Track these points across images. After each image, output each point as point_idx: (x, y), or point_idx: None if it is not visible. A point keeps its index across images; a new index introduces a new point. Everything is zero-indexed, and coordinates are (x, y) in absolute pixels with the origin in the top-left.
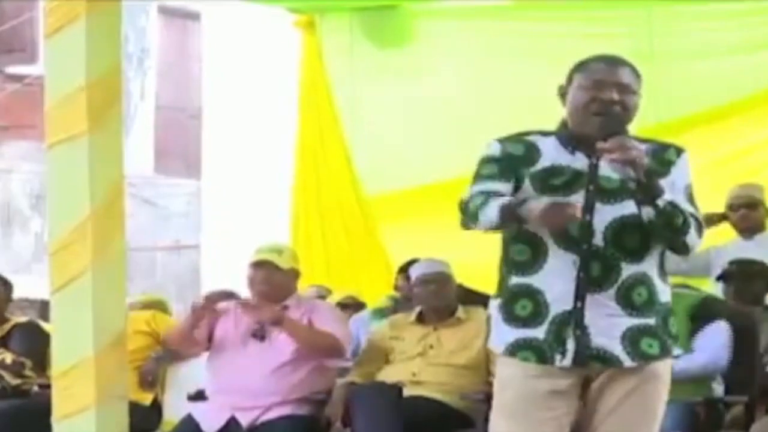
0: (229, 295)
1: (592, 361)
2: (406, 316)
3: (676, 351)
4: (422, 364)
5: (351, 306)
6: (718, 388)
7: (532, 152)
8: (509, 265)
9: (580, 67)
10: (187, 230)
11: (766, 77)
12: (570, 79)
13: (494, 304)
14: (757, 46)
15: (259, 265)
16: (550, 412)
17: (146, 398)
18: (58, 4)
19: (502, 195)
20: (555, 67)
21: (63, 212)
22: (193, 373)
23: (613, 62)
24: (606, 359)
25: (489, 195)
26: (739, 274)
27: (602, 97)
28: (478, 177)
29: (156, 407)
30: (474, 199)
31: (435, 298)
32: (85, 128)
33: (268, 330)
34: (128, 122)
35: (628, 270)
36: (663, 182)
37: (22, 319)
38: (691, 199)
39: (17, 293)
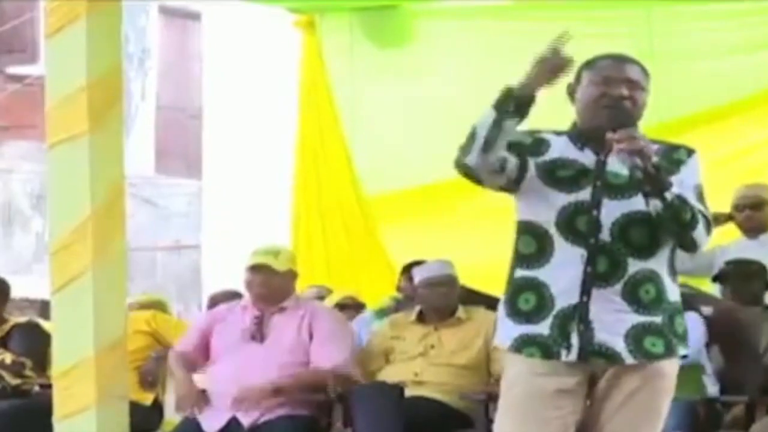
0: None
1: (594, 357)
2: (407, 315)
3: (683, 351)
4: (424, 364)
5: (350, 306)
6: (712, 388)
7: (540, 144)
8: (516, 258)
9: (589, 64)
10: (188, 230)
11: (766, 77)
12: (579, 77)
13: (502, 300)
14: (757, 46)
15: (256, 269)
16: (557, 411)
17: (147, 398)
18: (59, 4)
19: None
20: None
21: (63, 212)
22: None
23: (622, 59)
24: (608, 356)
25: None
26: (735, 274)
27: (612, 92)
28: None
29: (157, 407)
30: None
31: (442, 300)
32: (86, 128)
33: (266, 331)
34: (129, 122)
35: (634, 266)
36: (672, 180)
37: (22, 319)
38: (701, 198)
39: (18, 293)
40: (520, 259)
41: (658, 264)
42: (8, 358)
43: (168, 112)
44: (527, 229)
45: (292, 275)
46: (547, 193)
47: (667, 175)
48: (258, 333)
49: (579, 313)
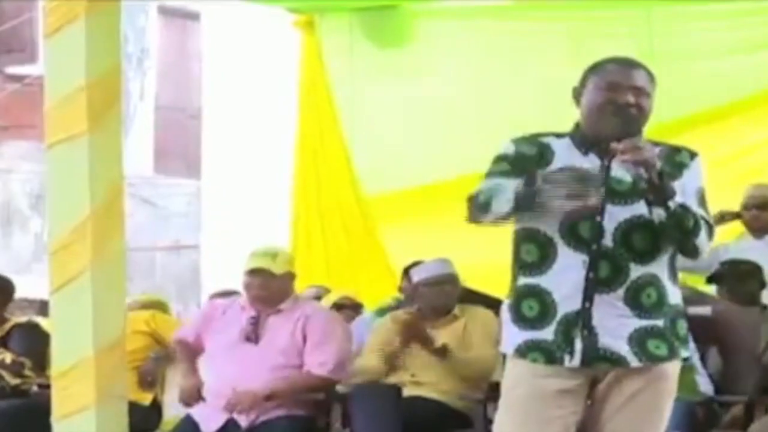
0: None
1: (599, 362)
2: (406, 313)
3: (684, 353)
4: (421, 364)
5: (347, 306)
6: (706, 387)
7: (545, 153)
8: (519, 265)
9: (595, 69)
10: (187, 230)
11: (766, 77)
12: (584, 81)
13: (505, 306)
14: (757, 46)
15: (254, 272)
16: (558, 410)
17: (146, 398)
18: (58, 4)
19: None
20: (555, 66)
21: (62, 212)
22: None
23: (629, 64)
24: (613, 360)
25: (501, 185)
26: (730, 274)
27: (618, 100)
28: (490, 174)
29: (155, 407)
30: (485, 191)
31: (444, 299)
32: (85, 128)
33: (261, 332)
34: (128, 122)
35: (636, 271)
36: (674, 184)
37: (22, 319)
38: (702, 202)
39: (17, 293)
40: (523, 267)
41: (659, 268)
42: (8, 357)
43: (167, 112)
44: (529, 237)
45: (290, 277)
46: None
47: (670, 183)
48: (253, 334)
49: (582, 319)
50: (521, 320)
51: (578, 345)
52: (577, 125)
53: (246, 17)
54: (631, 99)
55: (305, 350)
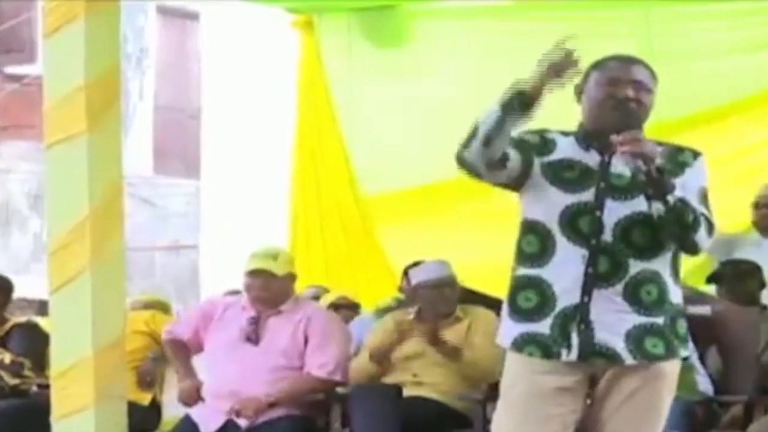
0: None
1: (594, 357)
2: (406, 313)
3: (683, 352)
4: (422, 365)
5: (344, 306)
6: (705, 387)
7: (547, 144)
8: (519, 256)
9: (597, 65)
10: (186, 230)
11: (765, 77)
12: (586, 78)
13: (505, 300)
14: (757, 46)
15: (255, 273)
16: (556, 408)
17: (145, 398)
18: (57, 4)
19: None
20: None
21: (62, 212)
22: None
23: (629, 60)
24: (609, 356)
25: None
26: (730, 274)
27: (618, 94)
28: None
29: (155, 407)
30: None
31: (444, 300)
32: (84, 128)
33: (261, 333)
34: (127, 122)
35: (636, 267)
36: (675, 182)
37: (22, 319)
38: (704, 200)
39: (16, 293)
40: (523, 258)
41: (661, 265)
42: (7, 357)
43: (166, 111)
44: (530, 228)
45: (290, 278)
46: (551, 192)
47: (670, 178)
48: (253, 335)
49: (580, 314)
50: (517, 312)
51: (575, 339)
52: (581, 124)
53: (245, 17)
54: (630, 93)
55: (306, 352)
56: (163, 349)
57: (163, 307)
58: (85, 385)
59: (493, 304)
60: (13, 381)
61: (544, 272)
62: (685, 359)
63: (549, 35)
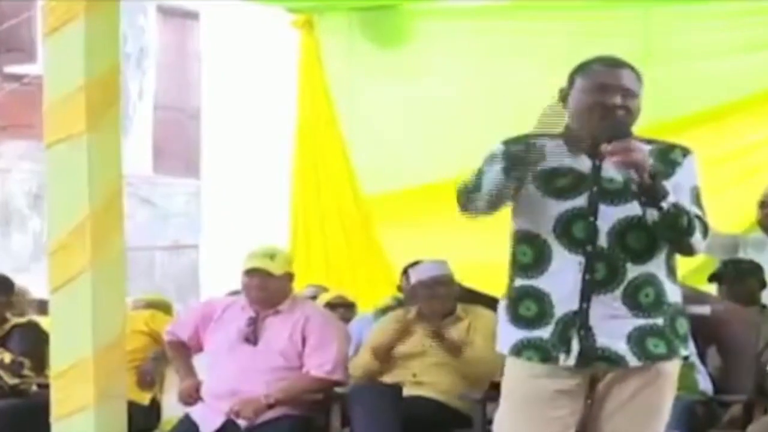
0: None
1: (597, 362)
2: (407, 311)
3: (684, 352)
4: (423, 364)
5: (340, 305)
6: (706, 386)
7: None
8: (514, 267)
9: (582, 69)
10: (186, 230)
11: (766, 77)
12: (571, 82)
13: (501, 306)
14: (757, 46)
15: (252, 272)
16: (556, 411)
17: (144, 398)
18: (57, 3)
19: None
20: (554, 66)
21: (62, 212)
22: None
23: (615, 64)
24: (612, 359)
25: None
26: (730, 274)
27: (605, 102)
28: (479, 171)
29: (154, 407)
30: (473, 178)
31: (441, 300)
32: (84, 128)
33: (260, 334)
34: (127, 122)
35: (633, 271)
36: (667, 183)
37: (22, 319)
38: (697, 200)
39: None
40: (519, 269)
41: (657, 267)
42: (7, 357)
43: (166, 111)
44: (524, 239)
45: (288, 278)
46: (545, 201)
47: (662, 183)
48: (252, 335)
49: (579, 320)
50: (518, 320)
51: (575, 345)
52: (567, 127)
53: (245, 17)
54: (618, 101)
55: (305, 351)
56: (163, 349)
57: (164, 307)
58: (85, 384)
59: (493, 304)
60: (13, 381)
61: (541, 282)
62: (685, 358)
63: (548, 35)
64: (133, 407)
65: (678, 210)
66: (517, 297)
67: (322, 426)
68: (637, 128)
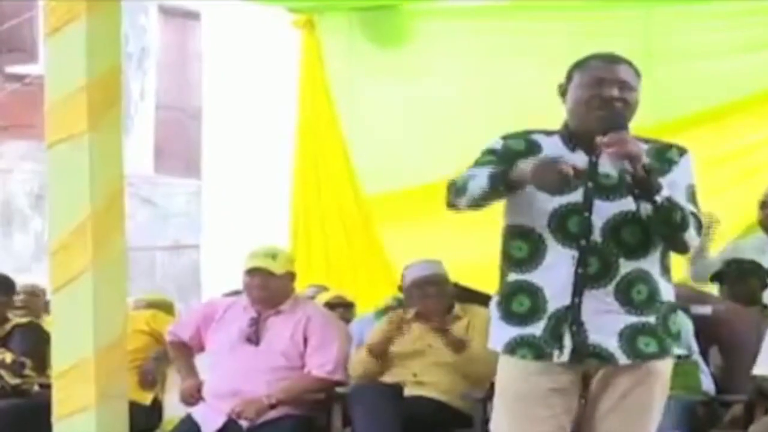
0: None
1: (588, 358)
2: (405, 312)
3: (677, 351)
4: (422, 364)
5: (339, 305)
6: (708, 385)
7: (533, 148)
8: (508, 262)
9: (580, 65)
10: (187, 230)
11: (766, 77)
12: (569, 78)
13: (493, 302)
14: (757, 46)
15: (253, 272)
16: (550, 409)
17: (146, 398)
18: (58, 3)
19: None
20: (554, 66)
21: (63, 212)
22: None
23: (612, 59)
24: (602, 356)
25: (479, 171)
26: (732, 273)
27: (603, 94)
28: (475, 164)
29: (156, 407)
30: (463, 177)
31: (434, 299)
32: (85, 128)
33: (261, 334)
34: (128, 122)
35: (626, 266)
36: (663, 180)
37: (23, 319)
38: (693, 199)
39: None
40: (512, 263)
41: (651, 264)
42: (8, 357)
43: (167, 111)
44: (517, 233)
45: (290, 277)
46: (539, 196)
47: (657, 178)
48: (253, 335)
49: (571, 315)
50: (510, 317)
51: (567, 341)
52: (566, 124)
53: (246, 17)
54: (615, 93)
55: (306, 352)
56: (165, 349)
57: (165, 307)
58: (86, 384)
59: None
60: (14, 381)
61: (535, 276)
62: (687, 357)
63: (548, 35)
64: (134, 407)
65: (672, 204)
66: (510, 292)
67: (323, 426)
68: (638, 128)
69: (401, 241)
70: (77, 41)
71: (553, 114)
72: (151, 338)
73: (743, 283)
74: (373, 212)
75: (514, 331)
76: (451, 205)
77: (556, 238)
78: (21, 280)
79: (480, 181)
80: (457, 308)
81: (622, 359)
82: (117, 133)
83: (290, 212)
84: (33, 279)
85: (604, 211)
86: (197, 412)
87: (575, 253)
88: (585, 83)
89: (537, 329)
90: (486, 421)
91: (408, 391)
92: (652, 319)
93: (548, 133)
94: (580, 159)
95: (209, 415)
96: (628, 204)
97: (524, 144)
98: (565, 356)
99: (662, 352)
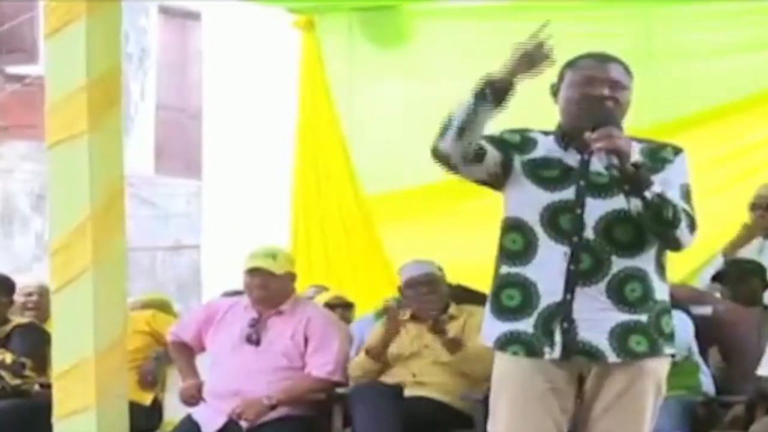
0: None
1: (578, 355)
2: (402, 313)
3: (669, 350)
4: (421, 364)
5: (339, 306)
6: (708, 386)
7: (527, 143)
8: (502, 254)
9: (571, 64)
10: (188, 230)
11: (766, 77)
12: (561, 77)
13: (488, 297)
14: (757, 46)
15: (254, 272)
16: (546, 409)
17: (146, 398)
18: (58, 4)
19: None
20: (553, 66)
21: (63, 212)
22: None
23: (603, 59)
24: (591, 354)
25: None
26: (733, 274)
27: (593, 93)
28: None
29: (156, 407)
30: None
31: (427, 299)
32: (85, 128)
33: (262, 334)
34: (128, 122)
35: (619, 264)
36: (655, 178)
37: (23, 319)
38: (687, 197)
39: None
40: (506, 256)
41: (645, 262)
42: (8, 358)
43: (167, 111)
44: (514, 226)
45: (290, 277)
46: (532, 190)
47: (648, 174)
48: (254, 336)
49: (563, 311)
50: (500, 311)
51: (558, 337)
52: (559, 124)
53: (246, 17)
54: (606, 92)
55: (307, 352)
56: (165, 349)
57: (166, 307)
58: (86, 385)
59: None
60: (14, 381)
61: (528, 270)
62: (686, 357)
63: (547, 35)
64: (134, 407)
65: (662, 200)
66: (501, 285)
67: (323, 426)
68: (638, 128)
69: (401, 241)
70: (77, 41)
71: (553, 114)
72: (151, 338)
73: (744, 283)
74: (373, 212)
75: (504, 327)
76: (435, 148)
77: (548, 234)
78: (21, 281)
79: (462, 104)
80: (453, 308)
81: (612, 357)
82: (117, 133)
83: (290, 212)
84: (33, 279)
85: (596, 208)
86: (197, 413)
87: (567, 249)
88: (576, 82)
89: (528, 326)
90: (485, 422)
91: (408, 392)
92: (644, 318)
93: (545, 133)
94: (572, 157)
95: (209, 415)
96: (620, 202)
97: (519, 137)
98: (557, 353)
99: (653, 352)
